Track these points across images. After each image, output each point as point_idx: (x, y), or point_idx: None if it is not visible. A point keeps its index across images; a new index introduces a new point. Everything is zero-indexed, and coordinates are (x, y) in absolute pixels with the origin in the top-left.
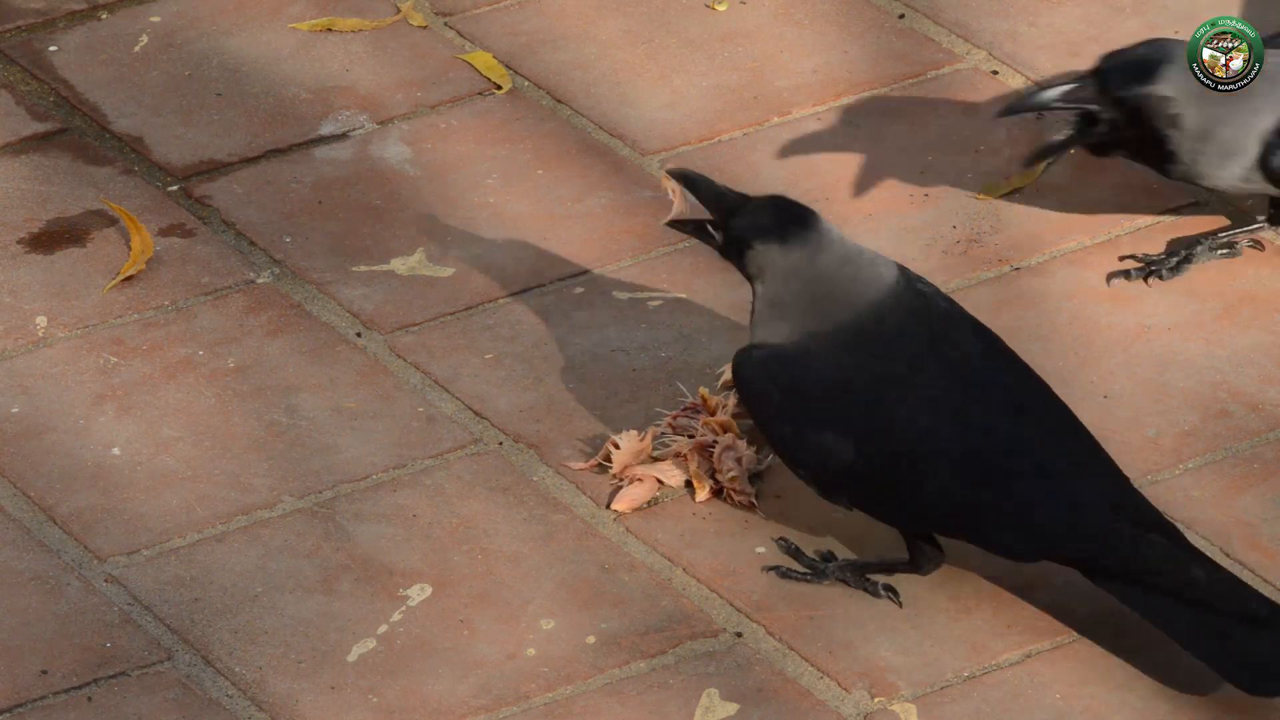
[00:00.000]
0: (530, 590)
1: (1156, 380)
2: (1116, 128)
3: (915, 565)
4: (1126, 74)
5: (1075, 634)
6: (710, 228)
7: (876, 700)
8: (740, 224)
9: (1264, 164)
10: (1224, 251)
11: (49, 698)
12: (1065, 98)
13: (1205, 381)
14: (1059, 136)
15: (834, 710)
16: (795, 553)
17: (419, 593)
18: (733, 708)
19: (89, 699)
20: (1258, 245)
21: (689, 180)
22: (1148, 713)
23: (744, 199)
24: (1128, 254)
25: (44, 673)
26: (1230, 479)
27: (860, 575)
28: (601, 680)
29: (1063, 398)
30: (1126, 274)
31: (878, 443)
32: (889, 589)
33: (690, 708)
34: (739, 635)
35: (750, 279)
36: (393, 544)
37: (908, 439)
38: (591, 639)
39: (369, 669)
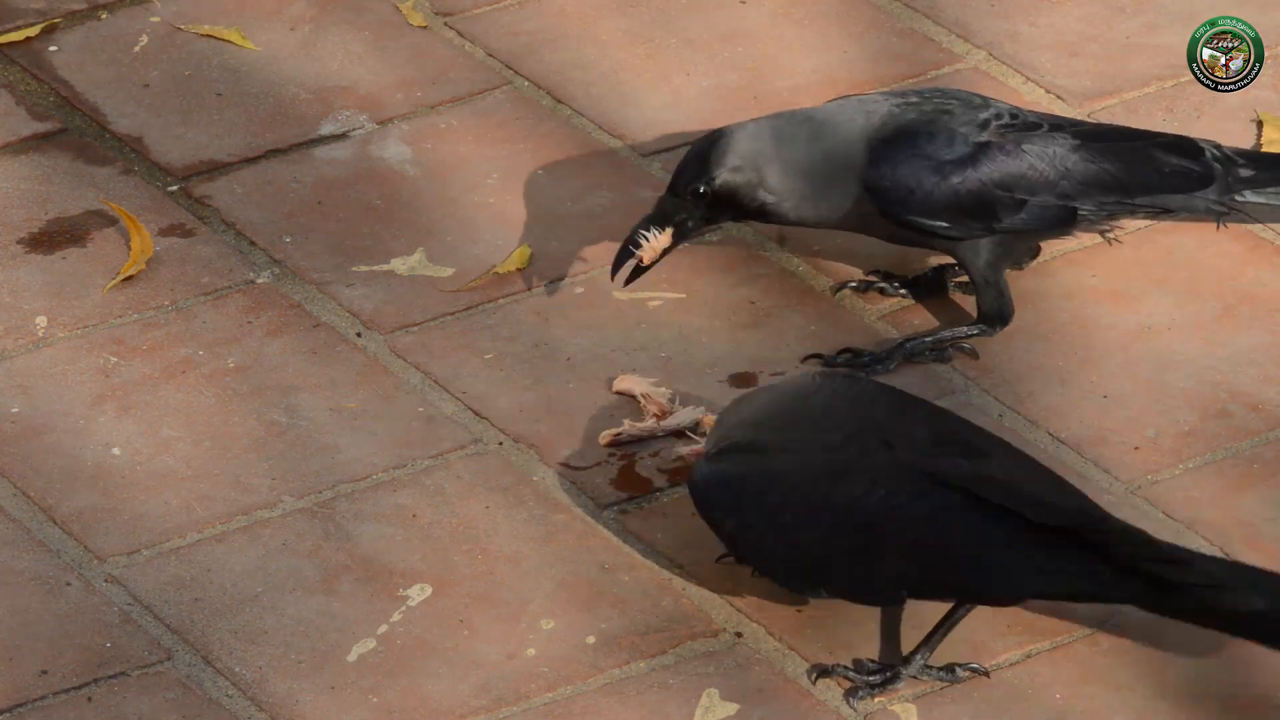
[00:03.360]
0: (530, 590)
1: (1156, 380)
2: (710, 219)
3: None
4: (694, 170)
5: (1075, 634)
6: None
7: (877, 700)
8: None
9: (866, 182)
10: (932, 354)
11: (49, 698)
12: (649, 223)
13: (1205, 381)
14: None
15: (834, 710)
16: (857, 666)
17: (419, 593)
18: (733, 708)
19: (89, 699)
20: (972, 354)
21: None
22: (1147, 713)
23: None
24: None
25: (44, 673)
26: (1230, 479)
27: (938, 668)
28: (601, 680)
29: (1062, 398)
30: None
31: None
32: (975, 668)
33: (690, 708)
34: (739, 635)
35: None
36: (393, 544)
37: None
38: (591, 639)
39: (369, 669)
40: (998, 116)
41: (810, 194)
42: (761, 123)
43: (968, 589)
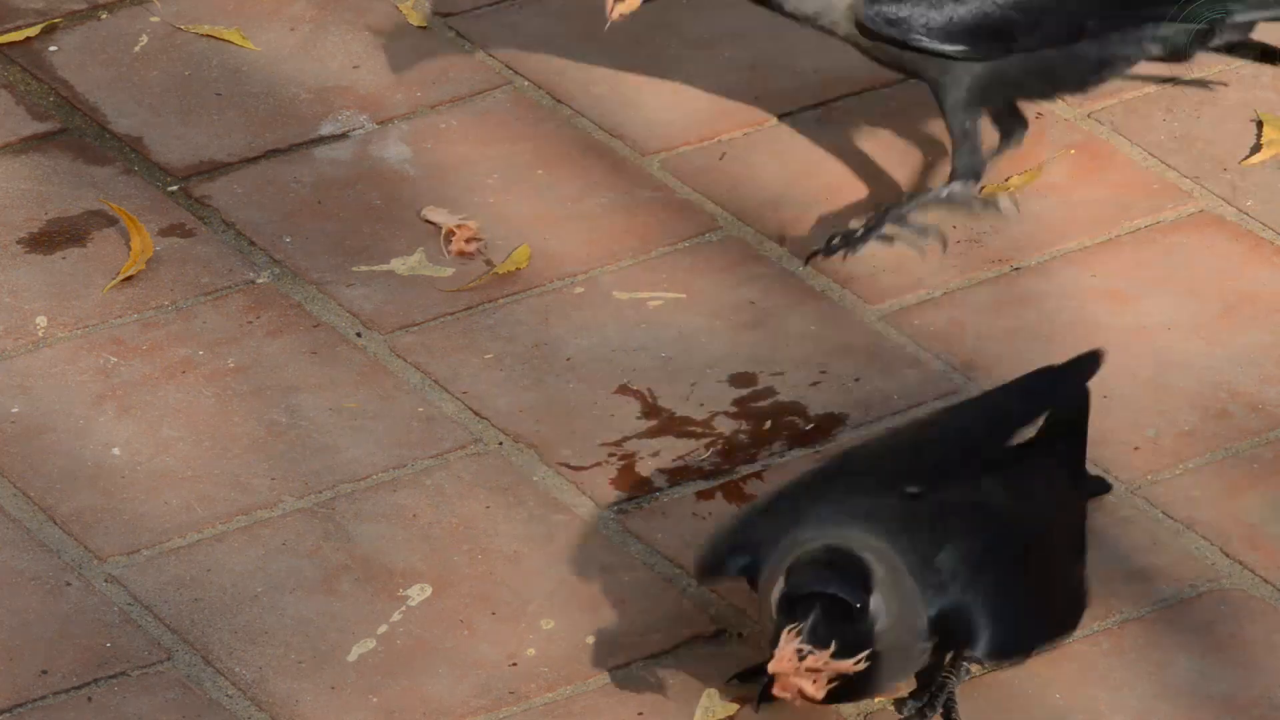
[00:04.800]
0: (530, 590)
1: (1156, 380)
2: None
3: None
4: None
5: (1075, 634)
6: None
7: (877, 700)
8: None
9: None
10: (916, 227)
11: (49, 698)
12: None
13: (1205, 381)
14: None
15: (834, 710)
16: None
17: (419, 593)
18: (733, 708)
19: (89, 699)
20: (994, 207)
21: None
22: (1147, 713)
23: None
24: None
25: (44, 673)
26: (1230, 479)
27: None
28: (601, 680)
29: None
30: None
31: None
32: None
33: (690, 708)
34: (739, 635)
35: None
36: (393, 544)
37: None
38: (591, 639)
39: (369, 669)
40: None
41: None
42: None
43: None
